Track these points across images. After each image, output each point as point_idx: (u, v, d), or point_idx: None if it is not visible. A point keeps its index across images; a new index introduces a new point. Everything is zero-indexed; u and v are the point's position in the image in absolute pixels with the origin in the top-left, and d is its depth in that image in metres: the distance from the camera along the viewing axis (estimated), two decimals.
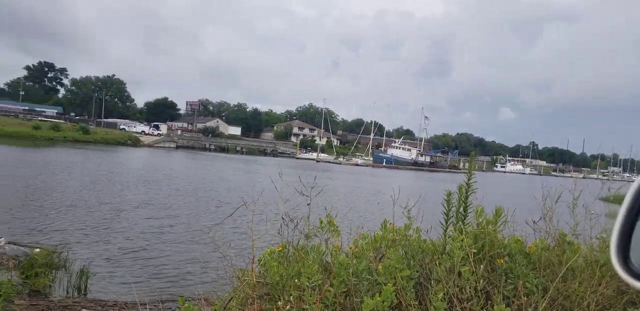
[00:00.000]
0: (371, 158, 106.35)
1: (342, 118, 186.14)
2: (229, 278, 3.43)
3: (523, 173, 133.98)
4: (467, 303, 2.60)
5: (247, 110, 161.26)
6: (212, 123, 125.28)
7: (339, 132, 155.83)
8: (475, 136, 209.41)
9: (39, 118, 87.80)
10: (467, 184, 3.13)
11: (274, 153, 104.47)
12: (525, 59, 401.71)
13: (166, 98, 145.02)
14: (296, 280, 2.72)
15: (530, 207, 3.78)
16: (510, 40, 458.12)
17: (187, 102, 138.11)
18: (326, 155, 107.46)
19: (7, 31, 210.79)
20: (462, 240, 2.74)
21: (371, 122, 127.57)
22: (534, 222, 3.58)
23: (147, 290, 8.33)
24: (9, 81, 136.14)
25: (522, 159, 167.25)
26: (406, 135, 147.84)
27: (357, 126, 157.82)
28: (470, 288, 2.62)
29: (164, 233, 13.35)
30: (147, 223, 14.53)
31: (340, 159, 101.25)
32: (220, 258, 3.99)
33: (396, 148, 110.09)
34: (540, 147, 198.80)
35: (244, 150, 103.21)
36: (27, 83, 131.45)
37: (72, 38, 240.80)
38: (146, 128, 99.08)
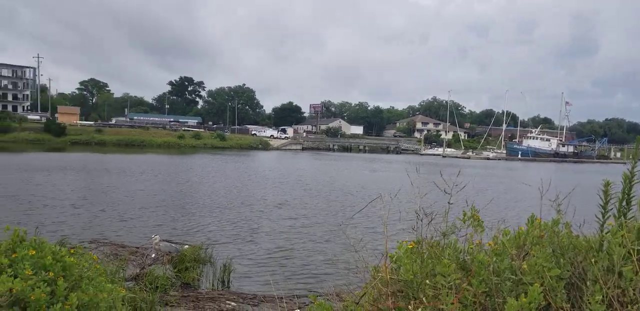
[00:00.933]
0: (504, 151, 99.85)
1: (470, 110, 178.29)
2: (361, 274, 3.44)
3: None
4: (632, 306, 2.29)
5: (368, 108, 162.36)
6: (334, 124, 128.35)
7: (467, 125, 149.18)
8: (627, 121, 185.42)
9: (183, 128, 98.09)
10: (630, 173, 2.74)
11: (397, 151, 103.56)
12: None
13: (291, 103, 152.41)
14: (427, 281, 2.62)
15: None
16: None
17: (310, 105, 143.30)
18: (453, 149, 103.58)
19: (154, 53, 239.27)
20: (622, 236, 2.41)
21: (503, 112, 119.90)
22: None
23: (283, 285, 8.75)
24: (156, 96, 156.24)
25: None
26: (544, 123, 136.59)
27: (486, 117, 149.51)
28: (634, 290, 2.31)
29: (300, 233, 13.97)
30: (284, 223, 15.34)
31: (469, 153, 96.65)
32: (353, 255, 4.02)
33: (533, 138, 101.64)
34: None
35: (366, 148, 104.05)
36: (171, 97, 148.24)
37: (207, 53, 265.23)
38: (274, 132, 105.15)
